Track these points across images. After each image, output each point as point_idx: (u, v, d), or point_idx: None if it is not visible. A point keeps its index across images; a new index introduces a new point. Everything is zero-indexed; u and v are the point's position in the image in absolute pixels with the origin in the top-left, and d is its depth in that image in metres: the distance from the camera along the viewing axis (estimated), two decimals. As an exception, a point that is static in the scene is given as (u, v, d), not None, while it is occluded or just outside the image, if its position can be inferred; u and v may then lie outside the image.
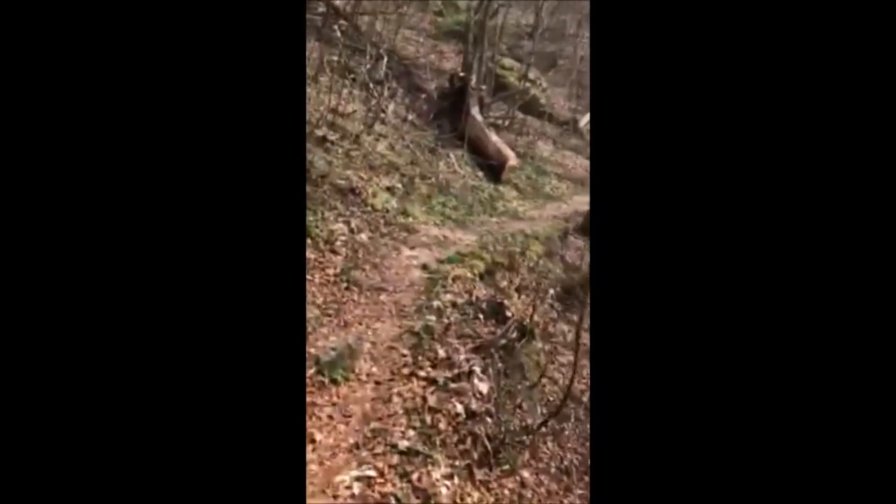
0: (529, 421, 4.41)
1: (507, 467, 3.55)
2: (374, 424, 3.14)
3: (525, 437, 4.11)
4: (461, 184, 8.31)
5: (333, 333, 3.85)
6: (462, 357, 3.99)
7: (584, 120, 13.78)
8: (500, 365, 4.47)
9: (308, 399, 3.16)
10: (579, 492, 3.89)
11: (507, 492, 3.35)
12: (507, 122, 11.24)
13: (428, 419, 3.33)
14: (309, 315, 3.85)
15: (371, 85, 8.07)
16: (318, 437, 2.96)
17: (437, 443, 3.22)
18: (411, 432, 3.15)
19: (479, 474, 3.28)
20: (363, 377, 3.55)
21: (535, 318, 5.45)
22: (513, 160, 9.33)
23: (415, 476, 2.88)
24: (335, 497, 2.64)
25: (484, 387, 3.94)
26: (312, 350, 3.56)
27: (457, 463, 3.16)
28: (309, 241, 4.62)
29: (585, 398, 5.04)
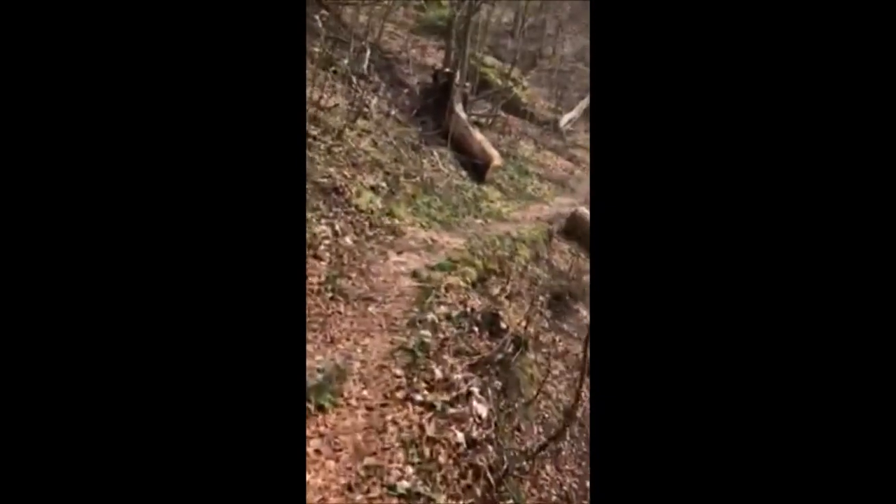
0: (528, 444, 4.10)
1: (510, 502, 3.22)
2: (367, 460, 2.77)
3: (525, 463, 3.81)
4: (445, 183, 7.96)
5: (319, 351, 3.47)
6: (459, 377, 3.64)
7: (565, 120, 13.67)
8: (496, 383, 4.14)
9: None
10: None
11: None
12: (489, 121, 10.95)
13: (427, 452, 2.98)
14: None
15: (354, 78, 7.66)
16: (306, 476, 2.58)
17: (438, 479, 2.87)
18: (409, 469, 2.79)
19: (484, 513, 2.95)
20: (353, 402, 3.18)
21: (530, 329, 5.15)
22: (497, 160, 9.05)
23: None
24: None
25: (483, 410, 3.60)
26: (296, 371, 3.18)
27: (460, 503, 2.82)
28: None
29: (578, 413, 4.77)
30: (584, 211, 8.56)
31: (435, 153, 8.33)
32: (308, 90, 6.10)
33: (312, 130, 5.91)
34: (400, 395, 3.30)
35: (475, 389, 3.66)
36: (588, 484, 4.40)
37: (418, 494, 2.66)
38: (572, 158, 12.47)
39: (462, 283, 4.73)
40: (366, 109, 7.42)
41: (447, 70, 9.46)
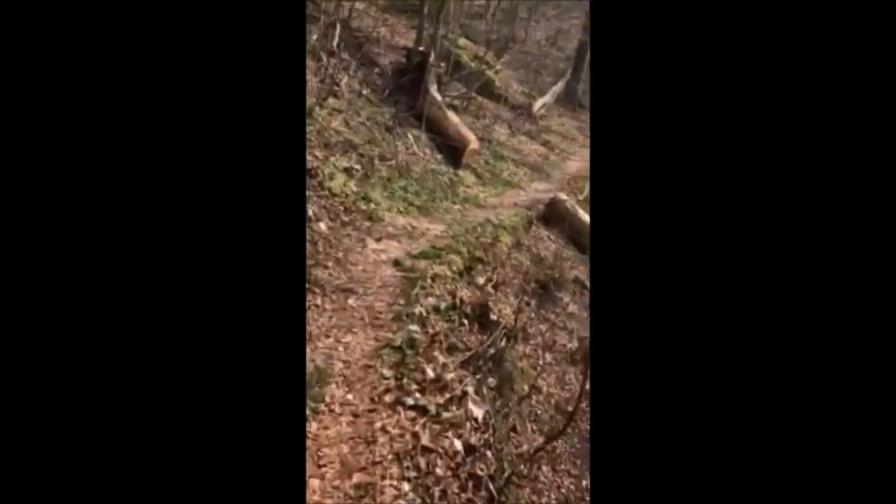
0: (525, 446, 3.79)
1: (514, 513, 2.91)
2: (357, 477, 2.40)
3: (523, 467, 3.49)
4: (421, 167, 7.57)
5: (295, 350, 3.07)
6: (453, 376, 3.29)
7: (538, 104, 13.40)
8: (490, 380, 3.81)
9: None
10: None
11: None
12: (464, 104, 10.59)
13: (422, 463, 2.62)
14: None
15: (324, 56, 7.17)
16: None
17: (437, 495, 2.52)
18: (406, 486, 2.43)
19: (487, 529, 2.62)
20: (336, 408, 2.80)
21: (521, 320, 4.83)
22: (474, 143, 8.70)
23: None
24: None
25: (479, 412, 3.26)
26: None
27: (463, 521, 2.48)
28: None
29: (570, 408, 4.49)
30: (563, 197, 8.32)
31: (409, 135, 7.92)
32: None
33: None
34: (389, 398, 2.92)
35: (470, 389, 3.32)
36: (585, 484, 4.14)
37: (418, 516, 2.31)
38: (546, 143, 12.26)
39: (449, 273, 4.36)
40: (336, 88, 6.97)
41: (422, 49, 9.03)
